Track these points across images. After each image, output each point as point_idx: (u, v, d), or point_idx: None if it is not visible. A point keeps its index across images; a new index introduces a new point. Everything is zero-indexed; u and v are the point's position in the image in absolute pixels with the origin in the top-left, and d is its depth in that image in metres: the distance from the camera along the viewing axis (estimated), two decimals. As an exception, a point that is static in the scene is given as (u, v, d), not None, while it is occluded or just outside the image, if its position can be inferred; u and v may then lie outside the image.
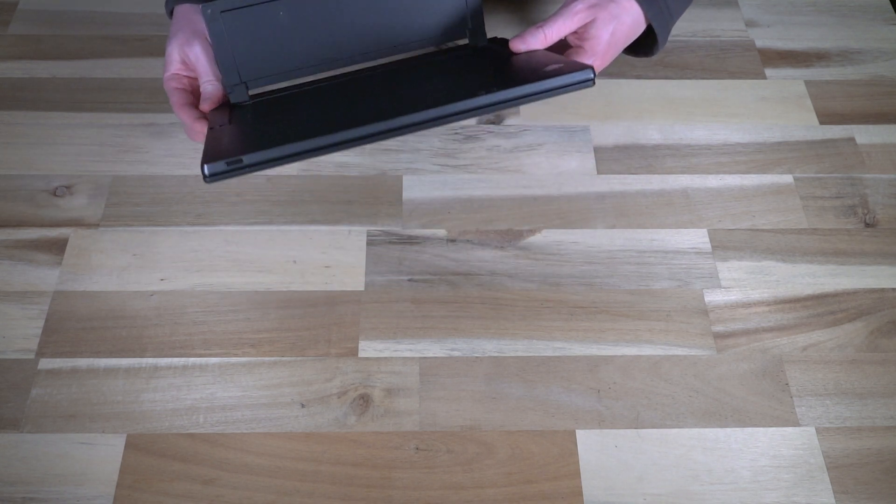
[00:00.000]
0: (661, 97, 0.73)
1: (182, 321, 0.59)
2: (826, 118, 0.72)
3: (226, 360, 0.57)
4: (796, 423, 0.56)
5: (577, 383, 0.57)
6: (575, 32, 0.63)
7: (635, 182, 0.67)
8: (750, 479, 0.53)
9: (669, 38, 0.78)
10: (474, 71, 0.64)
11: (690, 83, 0.75)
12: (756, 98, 0.74)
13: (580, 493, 0.52)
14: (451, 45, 0.67)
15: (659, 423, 0.55)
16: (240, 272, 0.61)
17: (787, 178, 0.68)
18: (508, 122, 0.71)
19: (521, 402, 0.56)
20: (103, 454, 0.53)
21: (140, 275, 0.61)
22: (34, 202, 0.65)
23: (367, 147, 0.69)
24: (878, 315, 0.61)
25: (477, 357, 0.58)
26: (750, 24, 0.80)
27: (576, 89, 0.58)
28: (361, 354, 0.58)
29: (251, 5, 0.60)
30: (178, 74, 0.62)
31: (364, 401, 0.56)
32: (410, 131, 0.56)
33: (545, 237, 0.64)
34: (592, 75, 0.57)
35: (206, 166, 0.50)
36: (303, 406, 0.55)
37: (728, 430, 0.55)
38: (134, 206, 0.64)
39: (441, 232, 0.64)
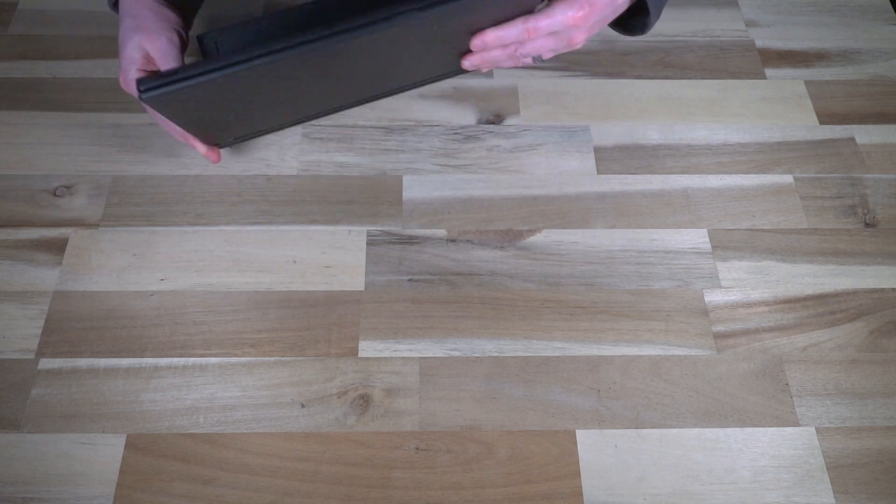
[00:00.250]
0: (661, 97, 0.73)
1: (182, 321, 0.59)
2: (826, 118, 0.72)
3: (226, 360, 0.57)
4: (796, 423, 0.56)
5: (577, 383, 0.57)
6: None
7: (635, 182, 0.67)
8: (750, 479, 0.53)
9: (669, 38, 0.78)
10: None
11: (690, 83, 0.75)
12: (756, 98, 0.74)
13: (580, 493, 0.52)
14: None
15: (659, 423, 0.55)
16: (240, 272, 0.61)
17: (787, 178, 0.68)
18: (508, 122, 0.71)
19: (521, 402, 0.56)
20: (103, 454, 0.53)
21: (140, 275, 0.61)
22: (34, 202, 0.65)
23: (367, 147, 0.69)
24: (878, 315, 0.61)
25: (477, 357, 0.58)
26: (750, 24, 0.80)
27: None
28: (361, 354, 0.58)
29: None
30: (143, 71, 0.56)
31: (364, 401, 0.56)
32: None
33: (545, 237, 0.64)
34: None
35: (140, 82, 0.48)
36: (303, 406, 0.55)
37: (728, 430, 0.55)
38: (134, 206, 0.65)
39: (441, 232, 0.64)
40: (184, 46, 0.59)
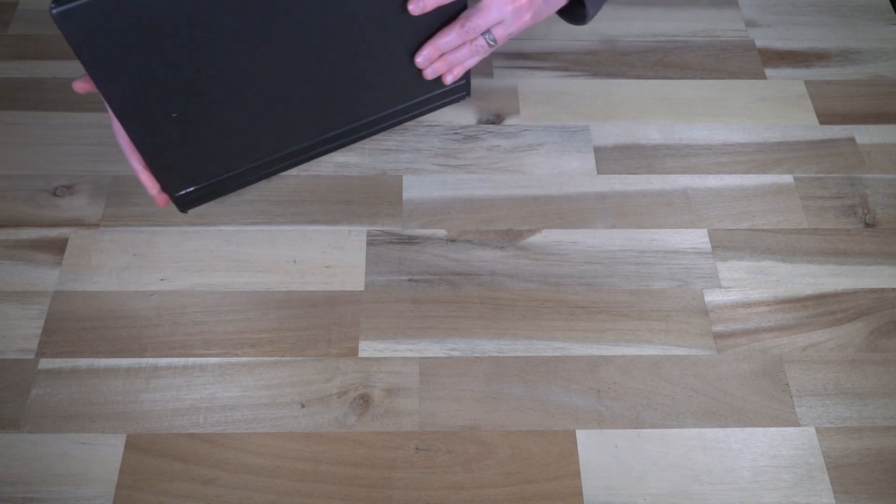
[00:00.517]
0: (661, 97, 0.73)
1: (182, 321, 0.59)
2: (826, 118, 0.72)
3: (226, 360, 0.57)
4: (796, 423, 0.56)
5: (577, 383, 0.57)
6: None
7: (635, 182, 0.67)
8: (750, 479, 0.53)
9: (669, 38, 0.78)
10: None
11: (690, 83, 0.75)
12: (756, 98, 0.74)
13: (580, 493, 0.52)
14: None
15: (659, 423, 0.55)
16: (240, 272, 0.61)
17: (787, 178, 0.68)
18: (508, 122, 0.71)
19: (521, 402, 0.56)
20: (103, 454, 0.53)
21: (140, 275, 0.61)
22: (34, 202, 0.65)
23: (368, 147, 0.69)
24: (878, 315, 0.61)
25: (477, 357, 0.58)
26: (750, 24, 0.80)
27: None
28: (361, 354, 0.58)
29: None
30: None
31: (364, 401, 0.56)
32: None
33: (545, 237, 0.64)
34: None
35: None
36: (303, 406, 0.55)
37: (728, 430, 0.55)
38: (134, 206, 0.64)
39: (441, 232, 0.64)
40: None
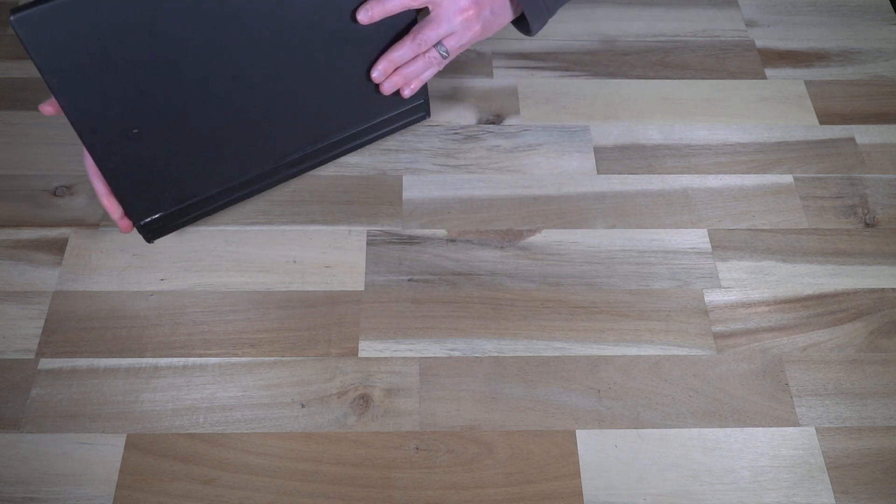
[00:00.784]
0: (661, 97, 0.73)
1: (182, 321, 0.59)
2: (826, 118, 0.72)
3: (226, 360, 0.57)
4: (796, 423, 0.56)
5: (577, 383, 0.57)
6: None
7: (635, 182, 0.67)
8: (750, 479, 0.53)
9: (669, 38, 0.78)
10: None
11: (690, 83, 0.75)
12: (756, 98, 0.74)
13: (580, 493, 0.52)
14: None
15: (659, 423, 0.55)
16: (240, 272, 0.61)
17: (787, 178, 0.68)
18: (508, 122, 0.71)
19: (521, 402, 0.56)
20: (103, 454, 0.53)
21: (140, 275, 0.61)
22: (34, 202, 0.65)
23: (367, 147, 0.69)
24: (878, 315, 0.61)
25: (477, 357, 0.58)
26: (750, 24, 0.80)
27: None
28: (361, 354, 0.58)
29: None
30: None
31: (364, 401, 0.56)
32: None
33: (545, 237, 0.64)
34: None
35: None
36: (303, 406, 0.55)
37: (728, 430, 0.55)
38: (134, 206, 0.64)
39: (441, 232, 0.64)
40: None
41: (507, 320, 0.59)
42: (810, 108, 0.73)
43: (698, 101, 0.73)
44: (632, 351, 0.58)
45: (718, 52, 0.77)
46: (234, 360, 0.57)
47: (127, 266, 0.61)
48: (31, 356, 0.57)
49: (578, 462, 0.54)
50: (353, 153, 0.68)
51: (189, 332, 0.58)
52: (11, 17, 0.42)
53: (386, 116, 0.65)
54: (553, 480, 0.53)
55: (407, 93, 0.61)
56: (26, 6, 0.43)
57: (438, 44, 0.58)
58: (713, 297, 0.61)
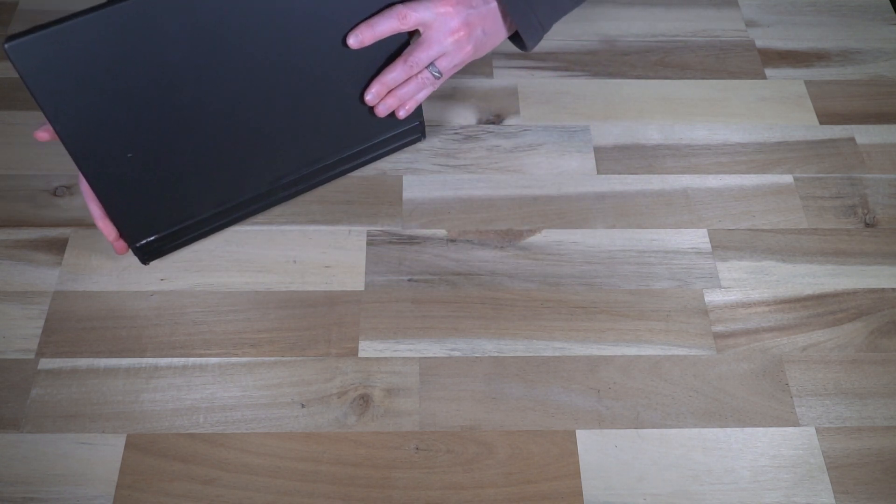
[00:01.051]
0: (661, 97, 0.73)
1: (182, 321, 0.59)
2: (826, 118, 0.72)
3: (226, 360, 0.57)
4: (796, 423, 0.56)
5: (577, 383, 0.57)
6: None
7: (635, 182, 0.67)
8: (750, 479, 0.53)
9: (669, 38, 0.78)
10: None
11: (690, 83, 0.75)
12: (756, 98, 0.74)
13: (580, 493, 0.52)
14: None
15: (659, 423, 0.55)
16: (240, 272, 0.61)
17: (787, 178, 0.68)
18: (508, 122, 0.71)
19: (521, 402, 0.56)
20: (103, 454, 0.53)
21: (140, 275, 0.61)
22: (34, 202, 0.65)
23: (367, 147, 0.69)
24: (878, 315, 0.61)
25: (477, 357, 0.58)
26: (750, 24, 0.80)
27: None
28: (361, 354, 0.58)
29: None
30: None
31: (364, 401, 0.56)
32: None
33: (545, 237, 0.64)
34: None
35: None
36: (303, 406, 0.55)
37: (728, 430, 0.55)
38: (134, 206, 0.64)
39: (441, 232, 0.64)
40: None
41: (507, 320, 0.59)
42: (810, 108, 0.73)
43: (698, 101, 0.73)
44: (632, 351, 0.58)
45: (718, 52, 0.77)
46: (234, 360, 0.57)
47: (127, 266, 0.61)
48: (31, 356, 0.57)
49: (578, 462, 0.54)
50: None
51: (189, 332, 0.58)
52: (6, 45, 0.43)
53: (381, 138, 0.65)
54: (553, 480, 0.53)
55: (402, 114, 0.61)
56: (20, 34, 0.43)
57: (431, 65, 0.58)
58: (713, 297, 0.61)
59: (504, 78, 0.74)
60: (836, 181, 0.68)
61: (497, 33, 0.60)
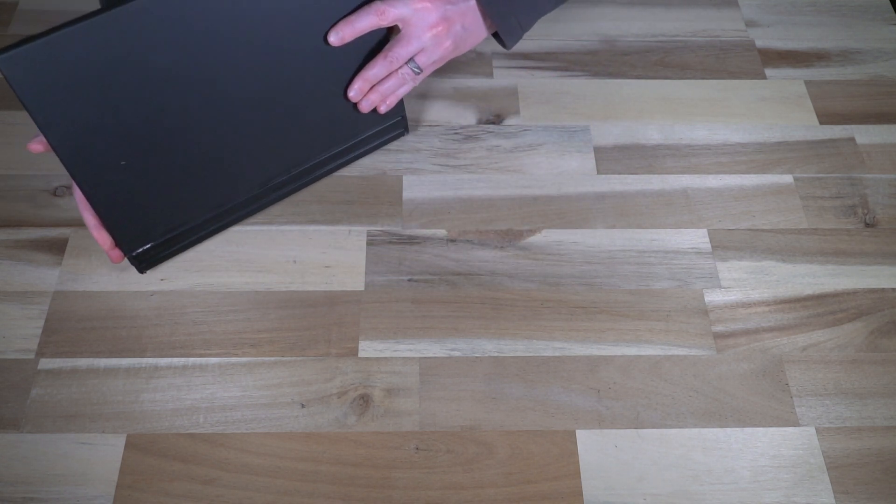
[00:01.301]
0: (661, 97, 0.73)
1: (182, 321, 0.59)
2: (826, 118, 0.72)
3: (226, 360, 0.57)
4: (796, 423, 0.56)
5: (577, 383, 0.57)
6: None
7: (635, 182, 0.67)
8: (750, 479, 0.53)
9: (669, 38, 0.78)
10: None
11: (690, 83, 0.75)
12: (756, 98, 0.74)
13: (580, 493, 0.52)
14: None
15: (659, 423, 0.55)
16: (240, 272, 0.61)
17: (787, 178, 0.68)
18: (508, 122, 0.71)
19: (521, 402, 0.56)
20: (103, 454, 0.53)
21: (140, 275, 0.61)
22: (34, 202, 0.65)
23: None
24: (878, 315, 0.61)
25: (477, 357, 0.58)
26: (750, 24, 0.80)
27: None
28: (361, 354, 0.58)
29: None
30: None
31: (364, 401, 0.56)
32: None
33: (545, 237, 0.64)
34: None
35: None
36: (303, 406, 0.55)
37: (728, 430, 0.55)
38: (134, 206, 0.64)
39: (441, 232, 0.64)
40: None
41: (507, 320, 0.59)
42: (810, 108, 0.73)
43: (698, 101, 0.73)
44: (632, 351, 0.58)
45: (718, 52, 0.77)
46: (234, 360, 0.57)
47: (127, 266, 0.61)
48: (31, 356, 0.57)
49: (578, 462, 0.54)
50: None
51: (189, 332, 0.58)
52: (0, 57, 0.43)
53: (366, 135, 0.66)
54: (553, 480, 0.53)
55: (383, 108, 0.62)
56: (11, 46, 0.43)
57: (410, 60, 0.59)
58: (713, 297, 0.61)
59: (504, 78, 0.74)
60: (836, 181, 0.68)
61: (477, 30, 0.61)
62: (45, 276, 0.61)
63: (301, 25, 0.54)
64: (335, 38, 0.55)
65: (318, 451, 0.54)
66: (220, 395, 0.56)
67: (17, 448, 0.53)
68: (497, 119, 0.71)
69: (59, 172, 0.66)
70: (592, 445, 0.54)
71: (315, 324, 0.59)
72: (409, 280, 0.61)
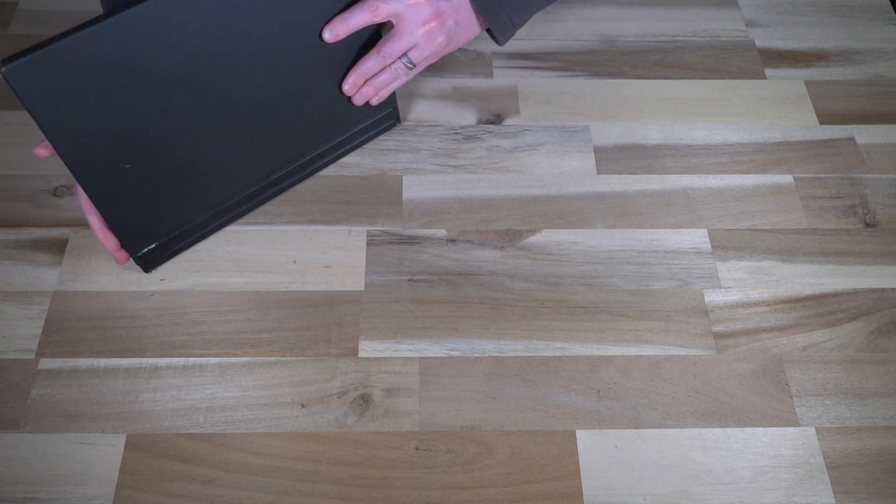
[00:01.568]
0: (661, 97, 0.73)
1: (182, 321, 0.59)
2: (826, 118, 0.72)
3: (226, 360, 0.57)
4: (796, 423, 0.56)
5: (577, 383, 0.57)
6: None
7: (635, 182, 0.67)
8: (750, 479, 0.53)
9: (669, 38, 0.78)
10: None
11: (690, 83, 0.75)
12: (756, 98, 0.74)
13: (580, 493, 0.52)
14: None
15: (659, 423, 0.55)
16: (240, 272, 0.61)
17: (787, 178, 0.68)
18: (508, 121, 0.71)
19: (521, 402, 0.56)
20: (103, 454, 0.53)
21: (140, 275, 0.61)
22: (34, 202, 0.65)
23: (367, 147, 0.69)
24: (878, 315, 0.61)
25: (477, 357, 0.58)
26: (750, 24, 0.80)
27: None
28: (361, 354, 0.58)
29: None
30: None
31: (364, 401, 0.56)
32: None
33: (545, 237, 0.64)
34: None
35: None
36: (303, 406, 0.55)
37: (728, 430, 0.55)
38: (134, 206, 0.64)
39: (441, 232, 0.64)
40: None
41: (507, 320, 0.59)
42: (810, 108, 0.73)
43: (698, 101, 0.73)
44: (632, 351, 0.58)
45: (718, 52, 0.77)
46: (234, 360, 0.57)
47: (127, 266, 0.61)
48: (31, 356, 0.57)
49: (578, 462, 0.54)
50: (353, 153, 0.68)
51: (189, 332, 0.58)
52: (3, 69, 0.43)
53: (359, 127, 0.66)
54: (553, 480, 0.53)
55: (375, 101, 0.63)
56: (16, 56, 0.43)
57: (403, 56, 0.59)
58: (713, 297, 0.61)
59: (504, 78, 0.74)
60: (836, 181, 0.68)
61: (471, 26, 0.61)
62: (45, 276, 0.61)
63: (296, 23, 0.54)
64: (329, 35, 0.56)
65: (318, 451, 0.54)
66: (220, 395, 0.56)
67: (17, 448, 0.53)
68: (497, 119, 0.71)
69: (58, 172, 0.66)
70: (592, 445, 0.54)
71: (315, 324, 0.59)
72: (409, 280, 0.61)
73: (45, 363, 0.57)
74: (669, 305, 0.61)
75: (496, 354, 0.58)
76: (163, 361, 0.57)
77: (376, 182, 0.67)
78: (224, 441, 0.54)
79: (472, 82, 0.74)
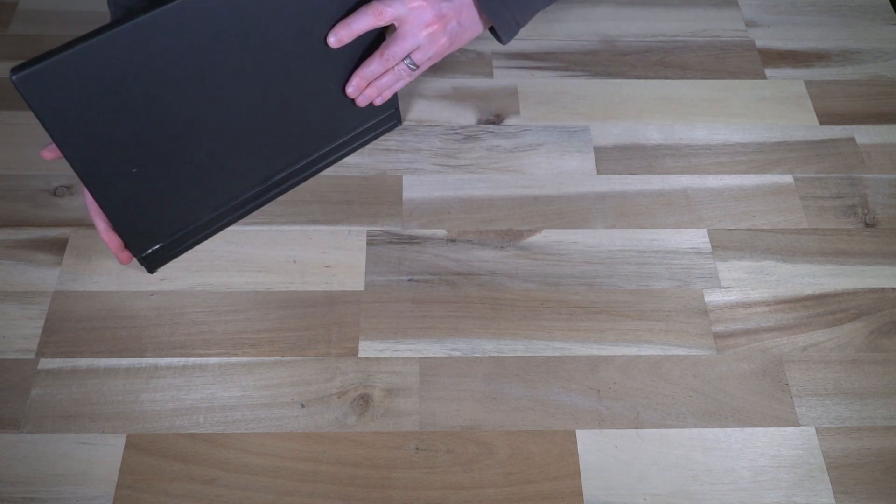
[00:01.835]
0: (661, 97, 0.73)
1: (182, 321, 0.59)
2: (826, 118, 0.72)
3: (226, 360, 0.57)
4: (796, 423, 0.56)
5: (577, 383, 0.57)
6: None
7: (635, 182, 0.67)
8: (750, 479, 0.53)
9: (669, 38, 0.78)
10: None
11: (690, 83, 0.75)
12: (756, 98, 0.74)
13: (580, 493, 0.52)
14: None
15: (659, 423, 0.55)
16: (240, 272, 0.61)
17: (787, 178, 0.68)
18: (508, 122, 0.71)
19: (521, 402, 0.56)
20: (103, 454, 0.53)
21: (140, 275, 0.61)
22: (34, 202, 0.65)
23: (367, 147, 0.69)
24: (878, 315, 0.61)
25: (477, 357, 0.58)
26: (750, 24, 0.80)
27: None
28: (361, 354, 0.58)
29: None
30: None
31: (364, 401, 0.56)
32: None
33: (545, 237, 0.64)
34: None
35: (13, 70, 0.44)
36: (303, 406, 0.55)
37: (728, 430, 0.55)
38: (134, 206, 0.64)
39: (441, 232, 0.64)
40: None
41: (507, 320, 0.59)
42: (810, 108, 0.73)
43: (698, 101, 0.73)
44: (632, 351, 0.58)
45: (718, 52, 0.77)
46: (234, 360, 0.57)
47: (127, 266, 0.61)
48: (31, 356, 0.57)
49: (578, 462, 0.54)
50: (353, 153, 0.68)
51: (189, 332, 0.58)
52: (13, 77, 0.43)
53: (361, 128, 0.67)
54: (553, 480, 0.53)
55: (378, 101, 0.63)
56: (26, 64, 0.44)
57: (406, 57, 0.59)
58: (713, 297, 0.61)
59: (504, 78, 0.74)
60: (836, 181, 0.68)
61: (473, 25, 0.61)
62: (45, 276, 0.61)
63: (302, 30, 0.55)
64: (334, 41, 0.56)
65: (318, 451, 0.54)
66: (220, 395, 0.56)
67: (17, 448, 0.53)
68: (497, 119, 0.71)
69: (59, 172, 0.66)
70: (592, 445, 0.54)
71: (315, 324, 0.59)
72: (409, 280, 0.61)
73: (45, 363, 0.57)
74: (669, 305, 0.61)
75: (496, 354, 0.58)
76: (163, 361, 0.57)
77: (376, 182, 0.67)
78: (224, 441, 0.54)
79: (472, 82, 0.74)
